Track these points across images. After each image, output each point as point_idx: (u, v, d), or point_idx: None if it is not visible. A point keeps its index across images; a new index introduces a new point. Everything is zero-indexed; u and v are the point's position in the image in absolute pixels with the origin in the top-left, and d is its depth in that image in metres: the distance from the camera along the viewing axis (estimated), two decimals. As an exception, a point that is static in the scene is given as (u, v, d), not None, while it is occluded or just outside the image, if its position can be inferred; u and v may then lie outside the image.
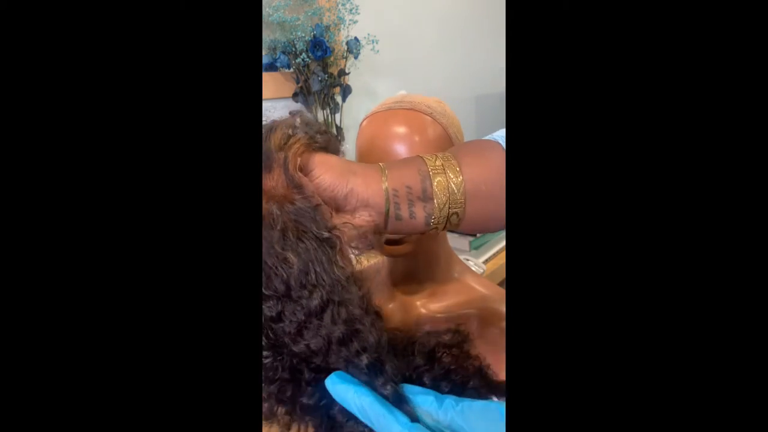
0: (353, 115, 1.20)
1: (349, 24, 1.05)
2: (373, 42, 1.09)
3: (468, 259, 0.85)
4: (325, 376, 0.27)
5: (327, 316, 0.26)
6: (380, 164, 0.31)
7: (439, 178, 0.29)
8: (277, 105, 1.04)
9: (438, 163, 0.30)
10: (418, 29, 1.43)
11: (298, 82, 1.05)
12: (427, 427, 0.24)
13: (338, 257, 0.27)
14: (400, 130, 0.42)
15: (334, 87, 1.08)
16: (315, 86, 1.02)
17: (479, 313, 0.45)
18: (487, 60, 1.72)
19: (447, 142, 0.43)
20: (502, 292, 0.48)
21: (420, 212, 0.29)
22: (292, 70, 1.03)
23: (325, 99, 1.07)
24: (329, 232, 0.27)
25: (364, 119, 0.46)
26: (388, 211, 0.29)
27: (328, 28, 1.03)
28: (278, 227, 0.26)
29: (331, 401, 0.27)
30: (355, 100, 1.19)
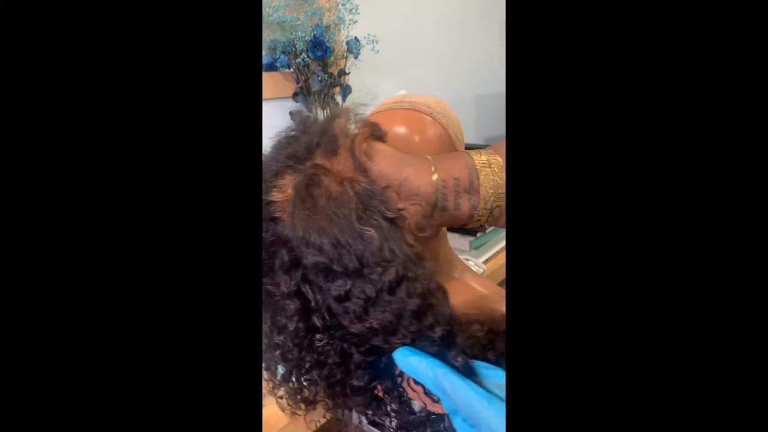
0: (353, 115, 1.20)
1: (349, 24, 1.05)
2: (373, 42, 1.09)
3: (468, 259, 0.85)
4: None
5: (402, 291, 0.27)
6: (428, 157, 0.32)
7: (485, 172, 0.31)
8: (277, 105, 1.04)
9: (483, 158, 0.31)
10: (418, 29, 1.43)
11: (298, 82, 1.05)
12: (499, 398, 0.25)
13: (407, 236, 0.28)
14: (400, 130, 0.42)
15: (334, 87, 1.08)
16: (315, 86, 1.02)
17: (479, 313, 0.45)
18: (487, 60, 1.71)
19: (447, 142, 0.43)
20: (502, 292, 0.48)
21: (465, 204, 0.31)
22: (292, 70, 1.03)
23: (325, 99, 1.06)
24: (396, 212, 0.28)
25: (365, 119, 0.46)
26: (437, 200, 0.30)
27: (328, 28, 1.02)
28: (353, 205, 0.27)
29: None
30: (355, 100, 1.19)
